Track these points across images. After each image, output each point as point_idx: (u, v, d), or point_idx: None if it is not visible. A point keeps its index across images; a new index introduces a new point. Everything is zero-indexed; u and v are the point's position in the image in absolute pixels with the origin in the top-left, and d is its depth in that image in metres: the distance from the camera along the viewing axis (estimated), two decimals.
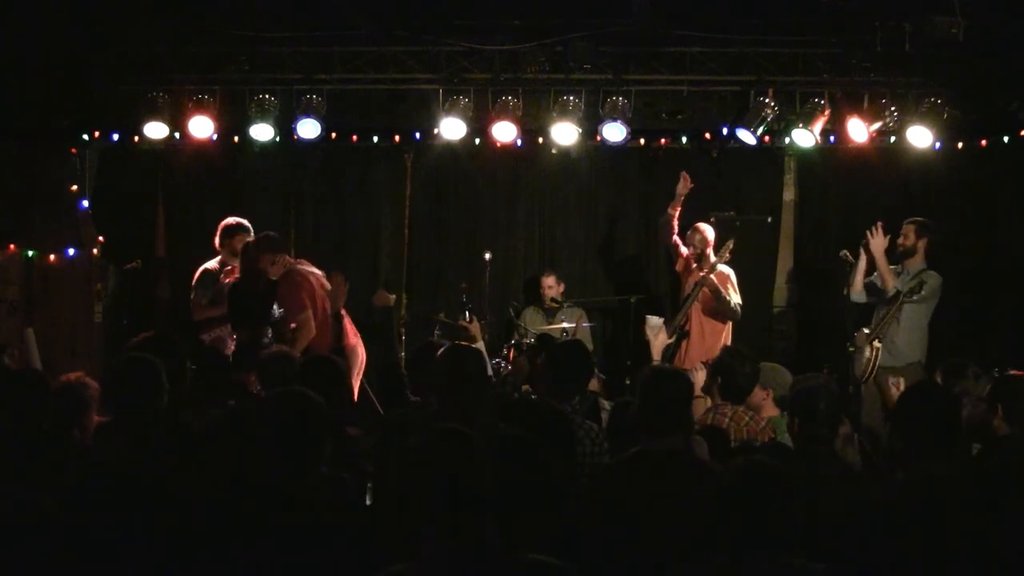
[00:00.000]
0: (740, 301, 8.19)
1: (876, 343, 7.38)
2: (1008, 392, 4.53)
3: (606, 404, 5.78)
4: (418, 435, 2.81)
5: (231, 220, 7.93)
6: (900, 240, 7.73)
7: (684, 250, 8.35)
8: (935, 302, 7.55)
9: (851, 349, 7.47)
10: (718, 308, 8.09)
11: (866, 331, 7.51)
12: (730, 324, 8.22)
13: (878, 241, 7.52)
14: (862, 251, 7.60)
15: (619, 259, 9.71)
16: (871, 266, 7.67)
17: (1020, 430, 4.33)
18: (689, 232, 8.38)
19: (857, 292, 7.68)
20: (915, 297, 7.38)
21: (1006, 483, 3.46)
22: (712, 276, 7.98)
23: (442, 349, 4.60)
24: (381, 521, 3.39)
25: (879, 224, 7.55)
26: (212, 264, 7.93)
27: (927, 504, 2.81)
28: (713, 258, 8.16)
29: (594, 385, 6.61)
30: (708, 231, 8.30)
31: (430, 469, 2.65)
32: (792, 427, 4.36)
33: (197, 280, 7.91)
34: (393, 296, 8.94)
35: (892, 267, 7.62)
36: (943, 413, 3.68)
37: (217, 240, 7.89)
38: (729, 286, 8.14)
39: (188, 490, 3.44)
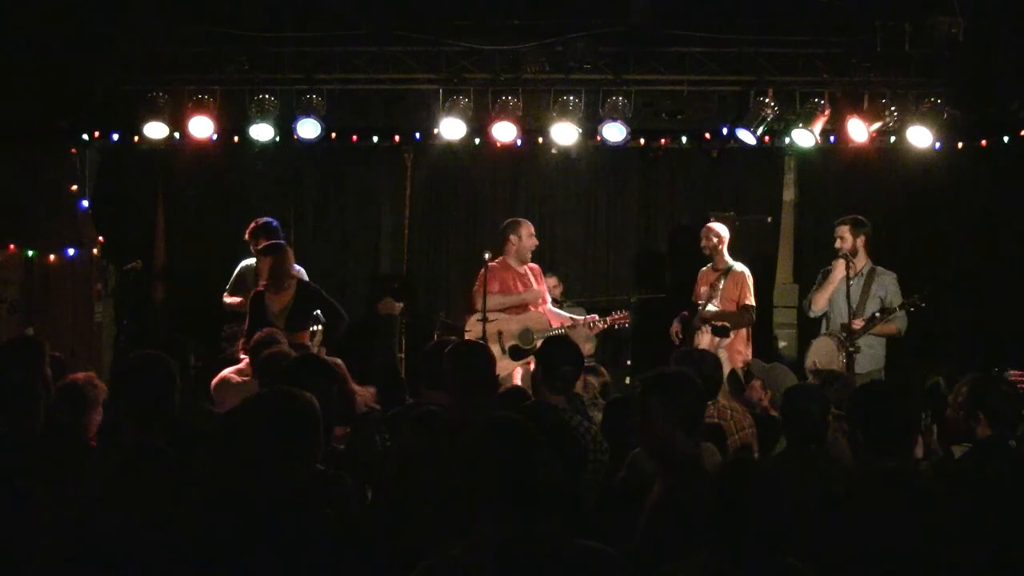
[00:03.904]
0: (753, 303, 8.17)
1: (841, 355, 7.43)
2: (986, 396, 4.45)
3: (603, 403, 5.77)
4: (417, 434, 2.81)
5: (258, 220, 8.01)
6: (837, 243, 7.72)
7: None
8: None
9: (852, 350, 7.46)
10: (737, 319, 8.08)
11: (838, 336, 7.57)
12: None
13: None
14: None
15: (619, 259, 9.72)
16: None
17: (1001, 432, 4.29)
18: (703, 231, 8.35)
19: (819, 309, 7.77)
20: (874, 329, 7.49)
21: (979, 483, 3.44)
22: (720, 286, 8.01)
23: (450, 345, 4.59)
24: (380, 519, 3.39)
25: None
26: (250, 260, 8.03)
27: (876, 498, 2.82)
28: (727, 257, 8.17)
29: (595, 384, 6.60)
30: (721, 229, 8.27)
31: (491, 456, 2.69)
32: (784, 427, 4.37)
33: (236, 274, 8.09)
34: (400, 304, 8.92)
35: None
36: (893, 409, 3.67)
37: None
38: (746, 290, 8.11)
39: (188, 489, 3.45)
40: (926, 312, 7.50)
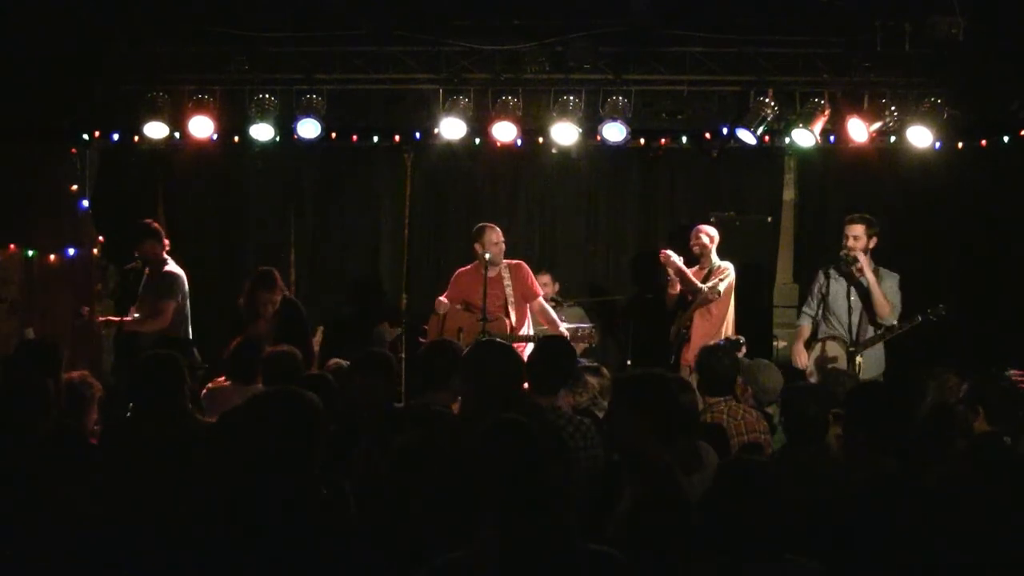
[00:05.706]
0: (720, 290, 8.18)
1: (859, 359, 7.43)
2: (988, 393, 4.45)
3: (604, 403, 5.77)
4: (418, 434, 2.80)
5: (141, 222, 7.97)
6: (850, 242, 7.69)
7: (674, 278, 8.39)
8: None
9: (858, 359, 7.48)
10: (712, 306, 8.11)
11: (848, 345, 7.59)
12: (730, 322, 8.21)
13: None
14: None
15: (618, 259, 9.72)
16: None
17: (1002, 429, 4.30)
18: (693, 232, 8.39)
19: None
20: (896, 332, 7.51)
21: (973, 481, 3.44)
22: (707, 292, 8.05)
23: (472, 344, 4.56)
24: (379, 520, 3.38)
25: None
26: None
27: (874, 500, 2.81)
28: (714, 257, 8.18)
29: (595, 384, 6.59)
30: (712, 231, 8.32)
31: (495, 458, 2.69)
32: (784, 427, 4.36)
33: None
34: (396, 331, 8.89)
35: (831, 269, 7.75)
36: (889, 412, 3.65)
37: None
38: (717, 277, 8.15)
39: (189, 490, 3.45)
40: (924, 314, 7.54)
